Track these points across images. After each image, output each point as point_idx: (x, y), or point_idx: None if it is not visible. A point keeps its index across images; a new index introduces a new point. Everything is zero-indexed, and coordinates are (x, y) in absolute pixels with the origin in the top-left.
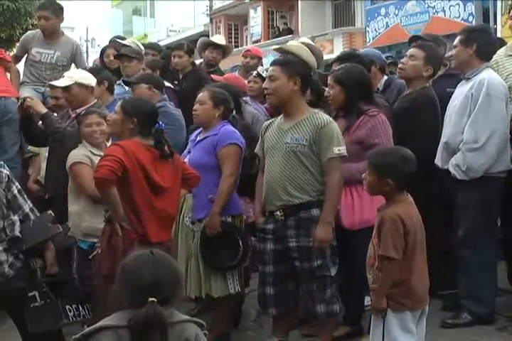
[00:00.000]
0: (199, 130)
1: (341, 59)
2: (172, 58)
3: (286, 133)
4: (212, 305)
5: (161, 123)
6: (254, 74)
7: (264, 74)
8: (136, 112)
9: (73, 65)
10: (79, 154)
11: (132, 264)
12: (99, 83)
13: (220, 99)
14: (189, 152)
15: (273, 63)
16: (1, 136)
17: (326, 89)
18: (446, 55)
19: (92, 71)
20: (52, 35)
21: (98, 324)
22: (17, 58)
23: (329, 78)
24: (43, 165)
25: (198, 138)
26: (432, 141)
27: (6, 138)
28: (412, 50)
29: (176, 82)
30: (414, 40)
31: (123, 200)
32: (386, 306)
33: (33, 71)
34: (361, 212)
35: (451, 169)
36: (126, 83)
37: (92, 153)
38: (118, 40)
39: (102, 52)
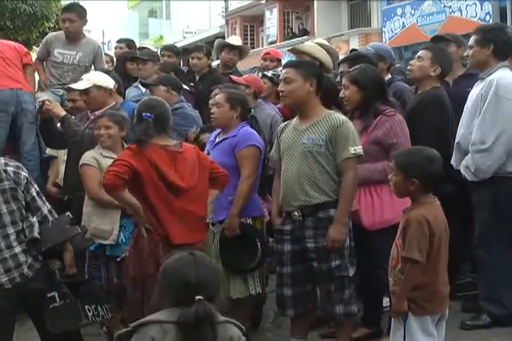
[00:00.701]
0: (218, 131)
1: (349, 60)
2: (190, 59)
3: (303, 133)
4: (230, 306)
5: (147, 113)
6: (259, 75)
7: (269, 75)
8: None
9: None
10: (88, 156)
11: (176, 265)
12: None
13: (237, 100)
14: (208, 153)
15: (286, 65)
16: (17, 126)
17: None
18: (463, 55)
19: (105, 72)
20: (75, 37)
21: (146, 318)
22: (40, 61)
23: (344, 79)
24: (62, 168)
25: (217, 140)
26: (440, 141)
27: (23, 129)
28: (420, 52)
29: (192, 84)
30: (435, 40)
31: (141, 202)
32: (407, 309)
33: (53, 72)
34: (381, 211)
35: (462, 170)
36: (144, 85)
37: (101, 155)
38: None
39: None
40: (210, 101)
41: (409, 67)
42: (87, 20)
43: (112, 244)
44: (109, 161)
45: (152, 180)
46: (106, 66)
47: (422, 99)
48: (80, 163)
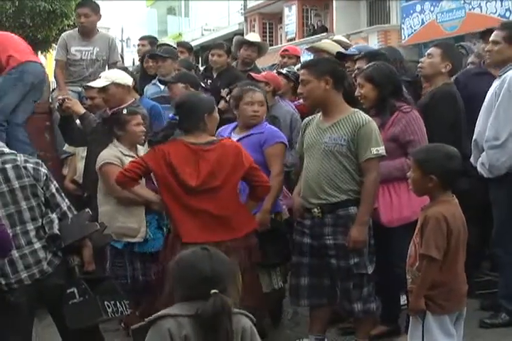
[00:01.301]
0: (232, 126)
1: (366, 57)
2: (210, 56)
3: (325, 132)
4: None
5: (171, 115)
6: (273, 73)
7: (284, 72)
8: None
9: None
10: (109, 155)
11: (190, 259)
12: None
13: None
14: None
15: (301, 67)
16: None
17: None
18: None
19: (123, 69)
20: (89, 32)
21: (161, 312)
22: (60, 62)
23: (359, 77)
24: (79, 166)
25: (239, 135)
26: (452, 136)
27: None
28: (429, 49)
29: (210, 81)
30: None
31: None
32: (424, 307)
33: (72, 70)
34: (399, 209)
35: (478, 167)
36: (162, 82)
37: (122, 153)
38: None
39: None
40: (248, 99)
41: (419, 65)
42: (101, 16)
43: (140, 241)
44: (130, 160)
45: (165, 177)
46: (120, 59)
47: (435, 94)
48: (103, 162)
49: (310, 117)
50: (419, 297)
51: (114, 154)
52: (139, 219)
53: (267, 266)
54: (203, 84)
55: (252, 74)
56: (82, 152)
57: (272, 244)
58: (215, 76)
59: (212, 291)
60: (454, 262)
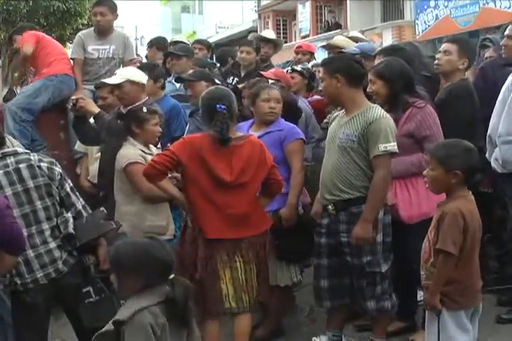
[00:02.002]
0: (249, 123)
1: (386, 52)
2: (239, 53)
3: (341, 127)
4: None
5: (219, 105)
6: (289, 70)
7: (299, 69)
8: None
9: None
10: (133, 154)
11: (147, 248)
12: (155, 80)
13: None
14: None
15: (320, 65)
16: None
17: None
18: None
19: (148, 66)
20: (106, 31)
21: (134, 307)
22: (77, 60)
23: (370, 74)
24: (94, 166)
25: (257, 133)
26: (470, 132)
27: None
28: (445, 45)
29: (237, 79)
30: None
31: (183, 193)
32: (439, 303)
33: (88, 69)
34: (419, 204)
35: (492, 163)
36: (179, 80)
37: (143, 152)
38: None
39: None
40: (265, 96)
41: (436, 62)
42: (117, 15)
43: (169, 239)
44: (151, 158)
45: (196, 172)
46: (135, 56)
47: (452, 90)
48: (128, 162)
49: (337, 112)
50: (435, 293)
51: (138, 153)
52: (166, 216)
53: (289, 260)
54: (218, 81)
55: (263, 72)
56: (95, 152)
57: (297, 238)
58: (242, 74)
59: (173, 276)
60: (469, 258)
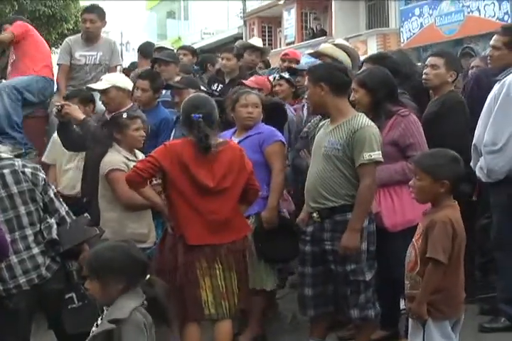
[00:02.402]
0: (231, 131)
1: (373, 59)
2: (220, 60)
3: (327, 136)
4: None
5: (195, 114)
6: (276, 77)
7: (286, 77)
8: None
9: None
10: (116, 161)
11: (128, 250)
12: (155, 91)
13: (262, 102)
14: None
15: (305, 73)
16: None
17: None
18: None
19: (150, 76)
20: (94, 38)
21: (128, 307)
22: (63, 67)
23: (353, 82)
24: (66, 177)
25: (238, 138)
26: (462, 144)
27: None
28: (431, 59)
29: (221, 85)
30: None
31: (166, 198)
32: (426, 313)
33: (74, 75)
34: (402, 212)
35: (477, 172)
36: (168, 87)
37: (127, 159)
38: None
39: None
40: (243, 102)
41: (424, 76)
42: (106, 22)
43: (149, 247)
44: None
45: (178, 178)
46: (121, 62)
47: (444, 103)
48: (110, 168)
49: (324, 121)
50: (423, 302)
51: (121, 160)
52: (148, 224)
53: (273, 263)
54: (203, 88)
55: (244, 81)
56: (64, 163)
57: (280, 240)
58: (227, 81)
59: (150, 276)
60: (456, 267)
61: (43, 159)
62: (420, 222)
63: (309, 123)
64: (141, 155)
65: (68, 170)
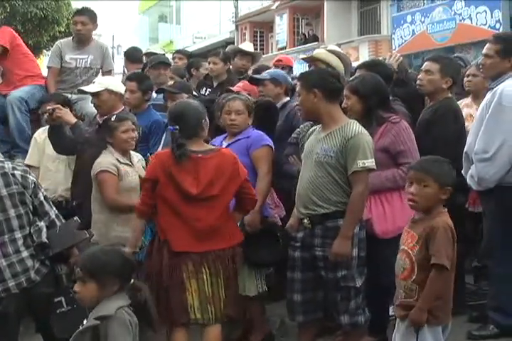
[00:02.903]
0: (223, 136)
1: (366, 66)
2: (207, 64)
3: (319, 142)
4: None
5: (170, 126)
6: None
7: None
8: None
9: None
10: (106, 162)
11: (121, 254)
12: (144, 93)
13: (251, 108)
14: None
15: (297, 79)
16: None
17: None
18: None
19: (138, 77)
20: (85, 40)
21: (114, 305)
22: (53, 69)
23: (345, 89)
24: (53, 180)
25: (227, 142)
26: (455, 152)
27: None
28: (426, 64)
29: (210, 90)
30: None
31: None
32: (425, 320)
33: (65, 78)
34: (393, 219)
35: (468, 179)
36: (161, 91)
37: (118, 161)
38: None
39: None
40: (226, 108)
41: (419, 82)
42: (97, 25)
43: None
44: (126, 168)
45: (163, 185)
46: (113, 67)
47: (437, 110)
48: (99, 169)
49: (315, 127)
50: (425, 309)
51: (111, 162)
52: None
53: (256, 267)
54: (194, 93)
55: (233, 88)
56: (51, 165)
57: (263, 244)
58: (215, 85)
59: (134, 281)
60: (452, 273)
61: (26, 161)
62: (409, 229)
63: (299, 129)
64: (137, 158)
65: (49, 173)
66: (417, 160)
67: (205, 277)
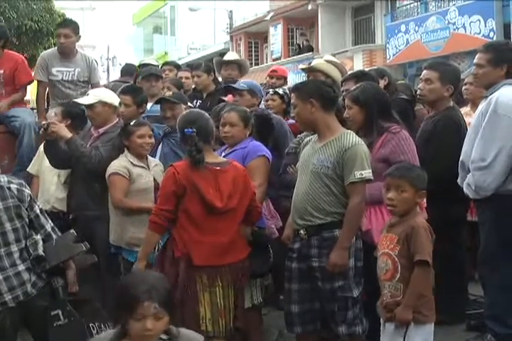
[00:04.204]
0: (223, 148)
1: (354, 77)
2: (192, 78)
3: (315, 153)
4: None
5: (187, 129)
6: (271, 92)
7: (281, 92)
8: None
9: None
10: (118, 165)
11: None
12: (139, 106)
13: (248, 118)
14: None
15: (291, 90)
16: None
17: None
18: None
19: (132, 90)
20: (69, 52)
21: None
22: (42, 83)
23: (346, 99)
24: (47, 188)
25: (224, 153)
26: (455, 164)
27: None
28: (424, 73)
29: (200, 101)
30: None
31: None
32: (411, 317)
33: (55, 91)
34: None
35: (464, 188)
36: (162, 101)
37: (131, 163)
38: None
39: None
40: (222, 120)
41: (419, 92)
42: (80, 36)
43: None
44: (140, 170)
45: (189, 198)
46: (100, 79)
47: (438, 122)
48: (111, 172)
49: (310, 137)
50: (410, 306)
51: (123, 164)
52: None
53: (252, 277)
54: (190, 104)
55: (225, 98)
56: (48, 175)
57: (255, 255)
58: (204, 96)
59: None
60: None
61: (28, 169)
62: (386, 233)
63: (296, 139)
64: (154, 162)
65: (46, 184)
66: (392, 168)
67: (217, 289)
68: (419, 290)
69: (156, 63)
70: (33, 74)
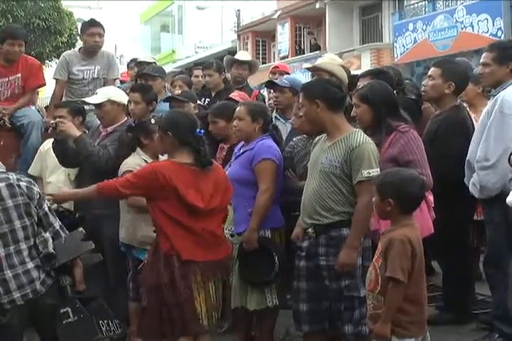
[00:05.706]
0: (242, 143)
1: (371, 74)
2: (203, 77)
3: (324, 152)
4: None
5: (199, 130)
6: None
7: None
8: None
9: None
10: (132, 163)
11: None
12: (148, 103)
13: (258, 112)
14: (229, 165)
15: (299, 91)
16: None
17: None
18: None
19: (142, 88)
20: (96, 52)
21: None
22: (60, 82)
23: (354, 97)
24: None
25: (238, 153)
26: (460, 164)
27: None
28: (430, 70)
29: (209, 100)
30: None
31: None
32: (389, 333)
33: (72, 90)
34: None
35: (470, 188)
36: (171, 99)
37: (145, 161)
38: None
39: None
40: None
41: (423, 88)
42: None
43: None
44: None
45: (167, 202)
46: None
47: (443, 122)
48: (124, 170)
49: (320, 136)
50: (387, 322)
51: (137, 162)
52: None
53: (260, 285)
54: (200, 102)
55: (231, 96)
56: (50, 176)
57: (262, 261)
58: (213, 95)
59: None
60: (420, 285)
61: (29, 171)
62: (380, 241)
63: (292, 143)
64: None
65: (49, 184)
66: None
67: (210, 284)
68: (395, 305)
69: (151, 61)
70: (52, 74)
